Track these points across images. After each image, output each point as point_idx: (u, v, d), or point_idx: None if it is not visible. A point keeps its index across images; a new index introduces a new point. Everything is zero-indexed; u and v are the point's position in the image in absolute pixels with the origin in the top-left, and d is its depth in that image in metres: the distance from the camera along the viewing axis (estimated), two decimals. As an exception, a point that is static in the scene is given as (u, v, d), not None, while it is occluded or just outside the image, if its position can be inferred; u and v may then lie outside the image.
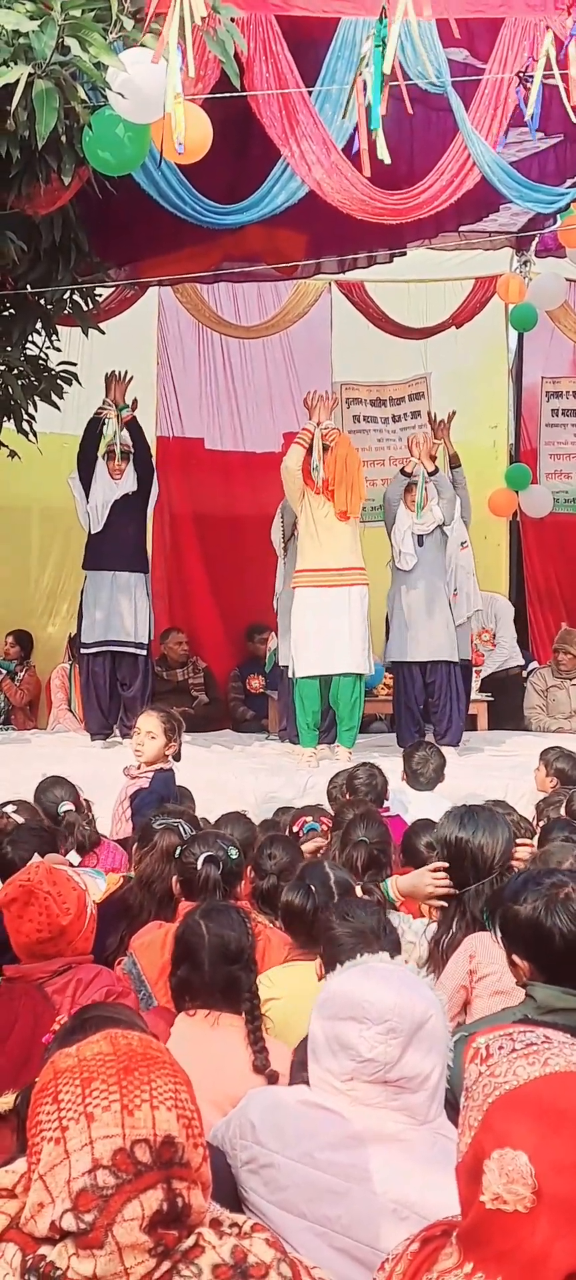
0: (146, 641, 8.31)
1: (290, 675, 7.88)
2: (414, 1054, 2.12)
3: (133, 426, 8.40)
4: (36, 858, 3.79)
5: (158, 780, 5.63)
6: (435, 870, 3.80)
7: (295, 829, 5.36)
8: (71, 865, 4.03)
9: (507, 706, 9.80)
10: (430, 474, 8.18)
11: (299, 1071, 2.57)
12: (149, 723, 5.75)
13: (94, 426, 8.25)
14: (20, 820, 4.62)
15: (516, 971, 2.81)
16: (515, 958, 2.80)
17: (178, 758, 5.83)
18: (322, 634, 7.62)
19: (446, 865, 3.75)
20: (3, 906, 3.30)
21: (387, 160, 5.89)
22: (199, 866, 3.82)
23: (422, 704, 8.28)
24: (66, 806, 5.10)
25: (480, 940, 3.48)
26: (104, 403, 8.24)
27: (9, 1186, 1.65)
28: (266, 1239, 1.59)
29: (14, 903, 3.26)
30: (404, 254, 9.34)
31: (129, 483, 8.29)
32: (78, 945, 3.31)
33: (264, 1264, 1.55)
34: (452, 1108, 2.14)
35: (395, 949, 3.23)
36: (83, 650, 8.31)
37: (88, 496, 8.21)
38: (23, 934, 3.23)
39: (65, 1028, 2.20)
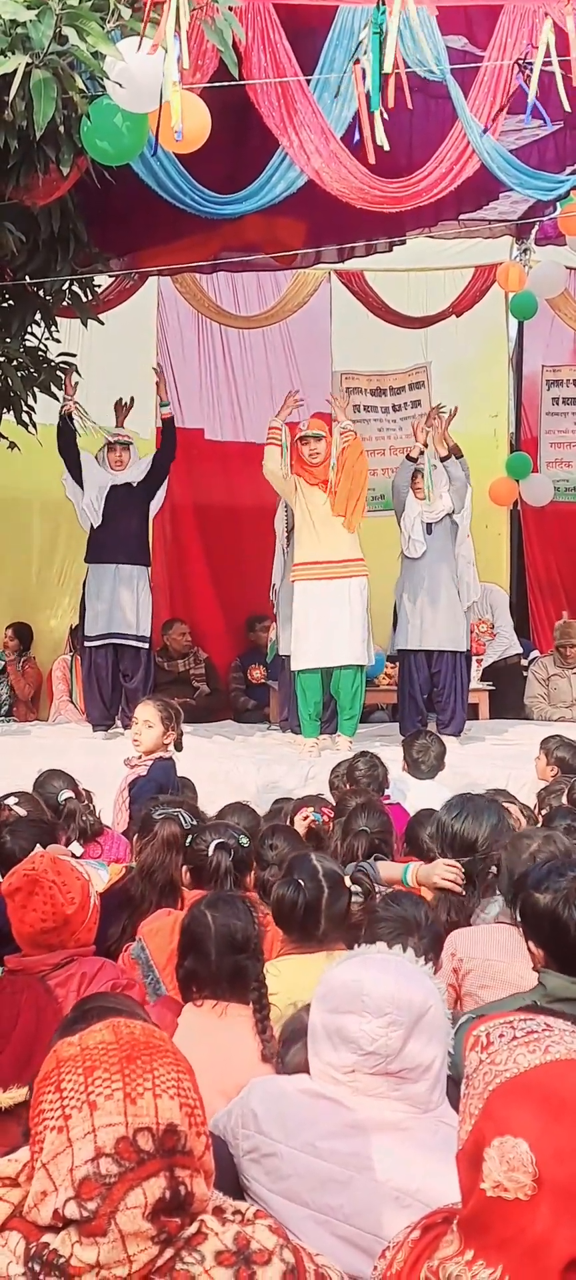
0: (148, 634, 8.33)
1: (292, 668, 7.89)
2: (415, 1044, 2.12)
3: (168, 428, 8.53)
4: (38, 849, 3.79)
5: (156, 769, 5.65)
6: (449, 865, 3.94)
7: (298, 819, 5.37)
8: (74, 856, 4.04)
9: (508, 695, 9.81)
10: (442, 458, 8.16)
11: (290, 1045, 2.57)
12: (146, 712, 5.79)
13: (65, 424, 8.28)
14: (22, 812, 4.62)
15: (532, 958, 2.84)
16: (531, 945, 2.83)
17: (179, 747, 5.84)
18: (322, 626, 7.62)
19: (458, 865, 3.94)
20: (6, 895, 3.29)
21: (386, 146, 5.88)
22: (210, 853, 3.83)
23: (427, 693, 8.28)
24: (66, 794, 5.11)
25: (460, 936, 3.54)
26: (64, 398, 8.23)
27: (12, 1175, 1.66)
28: (269, 1225, 1.60)
29: (18, 892, 3.25)
30: (403, 243, 9.31)
31: (130, 474, 8.30)
32: (81, 936, 3.31)
33: (266, 1250, 1.56)
34: (455, 1085, 2.15)
35: (437, 941, 3.26)
36: (85, 643, 8.32)
37: (83, 492, 8.23)
38: (27, 923, 3.23)
39: (67, 1019, 2.21)
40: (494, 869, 3.72)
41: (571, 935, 2.69)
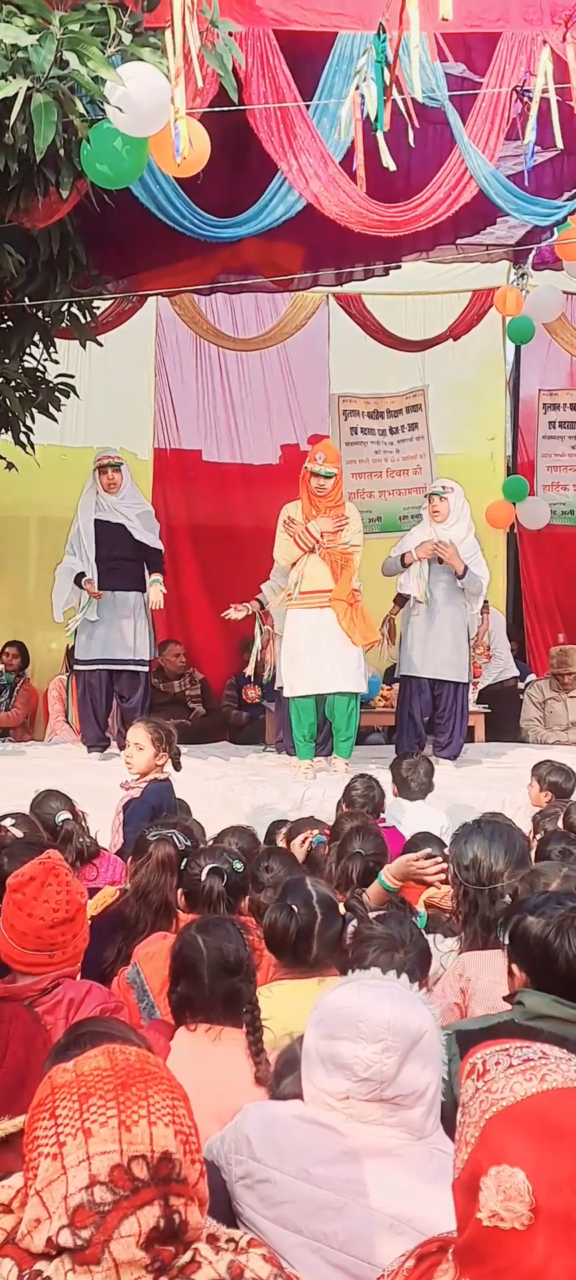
0: (147, 658, 8.32)
1: (285, 694, 7.88)
2: (410, 1070, 2.11)
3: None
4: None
5: (150, 791, 5.65)
6: (420, 857, 3.93)
7: (296, 842, 5.36)
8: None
9: (504, 718, 9.80)
10: (458, 577, 8.07)
11: (283, 1077, 2.56)
12: (137, 734, 5.80)
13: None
14: (19, 834, 4.61)
15: (511, 981, 2.82)
16: (514, 967, 2.81)
17: (177, 767, 5.84)
18: (315, 654, 7.60)
19: (430, 853, 3.99)
20: (16, 889, 3.23)
21: (392, 167, 5.91)
22: (203, 879, 3.82)
23: (428, 718, 8.28)
24: (64, 815, 5.09)
25: (470, 959, 3.51)
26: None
27: (5, 1201, 1.65)
28: (263, 1254, 1.59)
29: (32, 881, 3.19)
30: (398, 267, 9.37)
31: (125, 508, 8.21)
32: (79, 944, 3.27)
33: (260, 1279, 1.55)
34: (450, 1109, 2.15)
35: (423, 957, 3.24)
36: (76, 666, 8.31)
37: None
38: (37, 915, 3.15)
39: (59, 1044, 2.20)
40: (508, 897, 3.69)
41: (559, 964, 2.67)
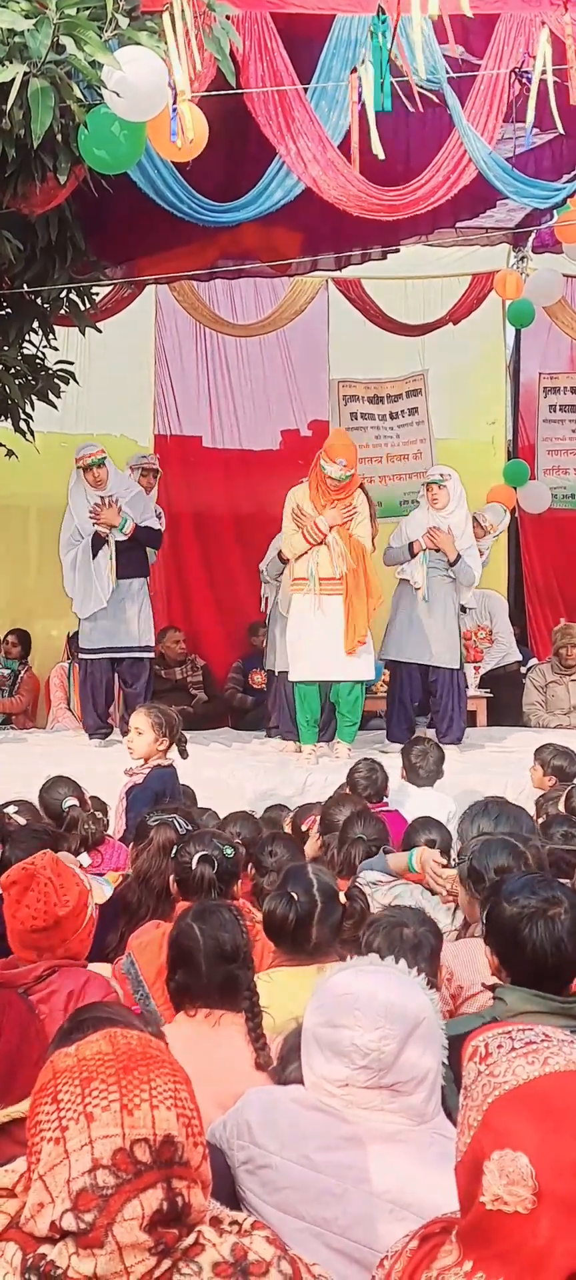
0: (151, 644, 8.30)
1: (291, 679, 7.87)
2: (409, 1056, 2.11)
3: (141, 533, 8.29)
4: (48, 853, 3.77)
5: (153, 777, 5.67)
6: (441, 868, 3.99)
7: (303, 828, 5.37)
8: (81, 866, 4.02)
9: (506, 702, 9.81)
10: (451, 563, 8.12)
11: (288, 1063, 2.56)
12: (138, 719, 5.83)
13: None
14: (22, 821, 4.61)
15: (489, 963, 2.85)
16: (488, 950, 2.84)
17: (184, 755, 5.86)
18: (319, 641, 7.59)
19: (445, 862, 3.95)
20: (4, 888, 3.26)
21: (381, 155, 5.90)
22: (193, 866, 3.82)
23: (417, 703, 8.28)
24: (70, 802, 5.10)
25: (454, 952, 3.46)
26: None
27: (9, 1186, 1.65)
28: (266, 1236, 1.59)
29: (15, 885, 3.22)
30: (397, 251, 9.34)
31: (113, 494, 8.18)
32: (72, 945, 3.27)
33: (264, 1261, 1.55)
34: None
35: (430, 950, 3.23)
36: (81, 655, 8.29)
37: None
38: (19, 919, 3.19)
39: (62, 1029, 2.20)
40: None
41: (526, 953, 2.69)
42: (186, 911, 3.19)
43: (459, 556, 8.10)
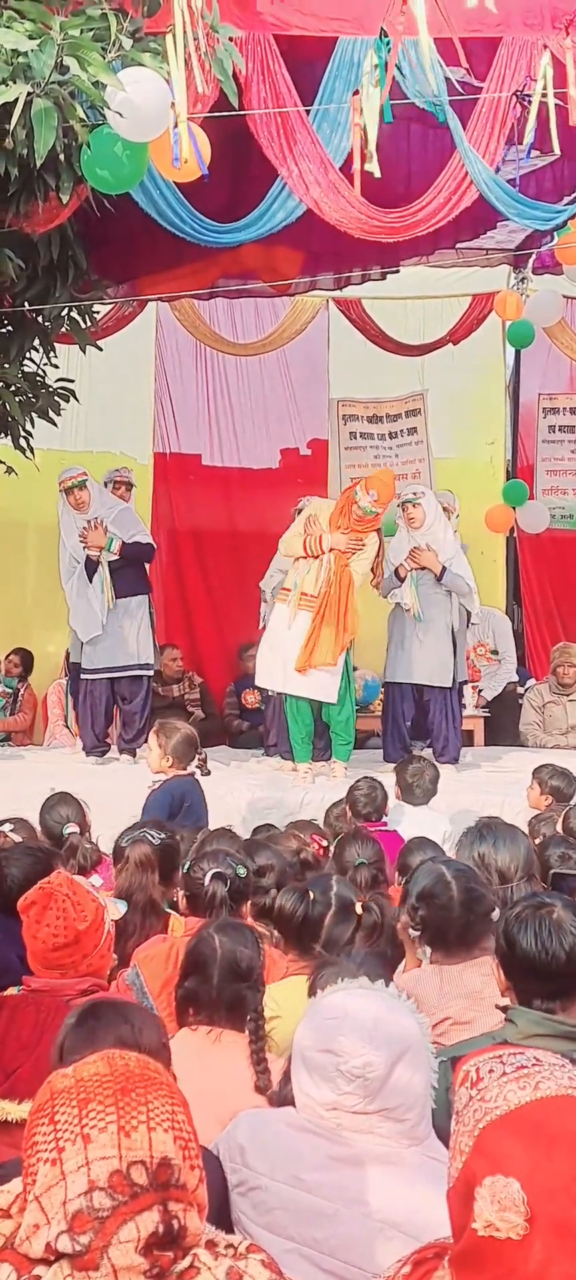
0: (151, 661, 8.28)
1: (256, 683, 7.87)
2: (399, 1079, 2.11)
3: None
4: (60, 870, 3.77)
5: (172, 784, 5.81)
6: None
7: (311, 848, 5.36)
8: (94, 886, 4.02)
9: (503, 722, 9.81)
10: (437, 577, 8.10)
11: (285, 1085, 2.57)
12: (150, 736, 6.00)
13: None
14: (17, 839, 4.61)
15: (498, 977, 2.86)
16: (496, 962, 2.88)
17: (205, 771, 5.94)
18: (283, 652, 7.58)
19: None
20: (22, 911, 3.27)
21: (377, 174, 5.93)
22: (206, 883, 3.83)
23: (410, 722, 8.27)
24: (71, 829, 5.10)
25: (417, 981, 3.33)
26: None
27: (4, 1206, 1.65)
28: (262, 1260, 1.59)
29: (33, 905, 3.23)
30: (397, 271, 9.38)
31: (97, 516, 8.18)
32: (94, 962, 3.27)
33: (259, 1285, 1.55)
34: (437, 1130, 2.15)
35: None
36: (82, 675, 8.25)
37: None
38: (39, 939, 3.19)
39: (75, 1013, 2.22)
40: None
41: (516, 953, 2.73)
42: (209, 922, 3.22)
43: (444, 569, 8.11)
